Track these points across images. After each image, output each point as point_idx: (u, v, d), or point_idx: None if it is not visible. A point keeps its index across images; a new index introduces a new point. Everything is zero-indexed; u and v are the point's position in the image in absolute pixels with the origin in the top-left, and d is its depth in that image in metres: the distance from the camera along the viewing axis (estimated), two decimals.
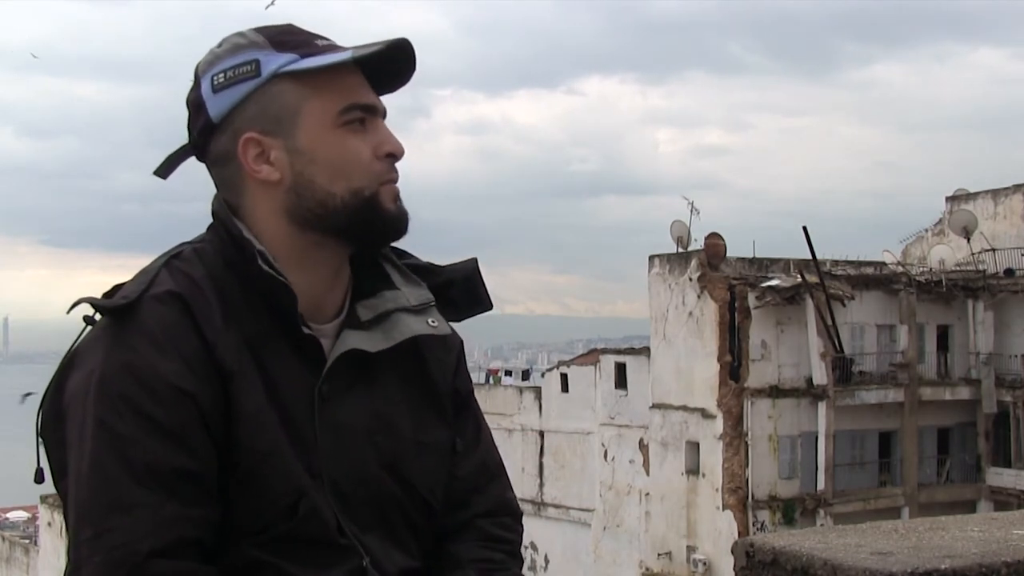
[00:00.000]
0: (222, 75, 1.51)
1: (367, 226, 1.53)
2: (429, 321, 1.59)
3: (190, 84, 1.56)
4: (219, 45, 1.54)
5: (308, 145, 1.50)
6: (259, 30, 1.54)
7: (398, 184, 1.55)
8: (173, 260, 1.51)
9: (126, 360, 1.40)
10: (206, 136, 1.53)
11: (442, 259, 1.70)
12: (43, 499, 41.12)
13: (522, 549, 1.70)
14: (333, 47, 1.53)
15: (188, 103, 1.55)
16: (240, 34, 1.54)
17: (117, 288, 1.48)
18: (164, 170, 1.62)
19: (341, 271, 1.58)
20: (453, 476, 1.63)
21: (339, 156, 1.50)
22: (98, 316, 1.45)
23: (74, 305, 1.45)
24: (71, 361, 1.45)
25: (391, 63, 1.53)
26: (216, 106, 1.51)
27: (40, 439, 1.47)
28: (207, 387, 1.42)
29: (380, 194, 1.52)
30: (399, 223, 1.55)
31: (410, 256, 1.66)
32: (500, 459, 1.72)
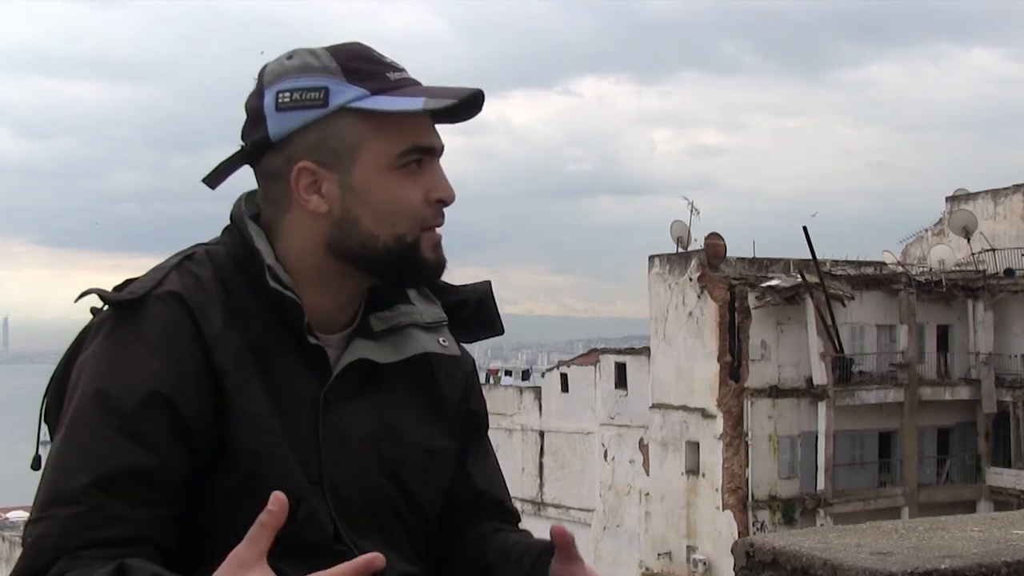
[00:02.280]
0: (288, 95, 1.47)
1: (402, 270, 1.53)
2: (440, 340, 1.60)
3: (253, 86, 1.52)
4: (289, 57, 1.51)
5: (362, 185, 1.48)
6: (333, 53, 1.50)
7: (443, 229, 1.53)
8: (185, 261, 1.51)
9: (112, 356, 1.41)
10: (260, 149, 1.51)
11: None
12: None
13: None
14: (404, 82, 1.50)
15: (247, 109, 1.52)
16: (313, 53, 1.50)
17: (128, 283, 1.48)
18: (213, 180, 1.57)
19: (359, 294, 1.58)
20: (459, 497, 1.64)
21: (390, 200, 1.49)
22: (104, 307, 1.46)
23: (83, 295, 1.46)
24: (76, 350, 1.47)
25: (460, 107, 1.50)
26: (277, 125, 1.48)
27: (45, 424, 1.49)
28: (195, 389, 1.41)
29: (422, 240, 1.51)
30: (434, 271, 1.55)
31: None
32: (507, 490, 1.73)
